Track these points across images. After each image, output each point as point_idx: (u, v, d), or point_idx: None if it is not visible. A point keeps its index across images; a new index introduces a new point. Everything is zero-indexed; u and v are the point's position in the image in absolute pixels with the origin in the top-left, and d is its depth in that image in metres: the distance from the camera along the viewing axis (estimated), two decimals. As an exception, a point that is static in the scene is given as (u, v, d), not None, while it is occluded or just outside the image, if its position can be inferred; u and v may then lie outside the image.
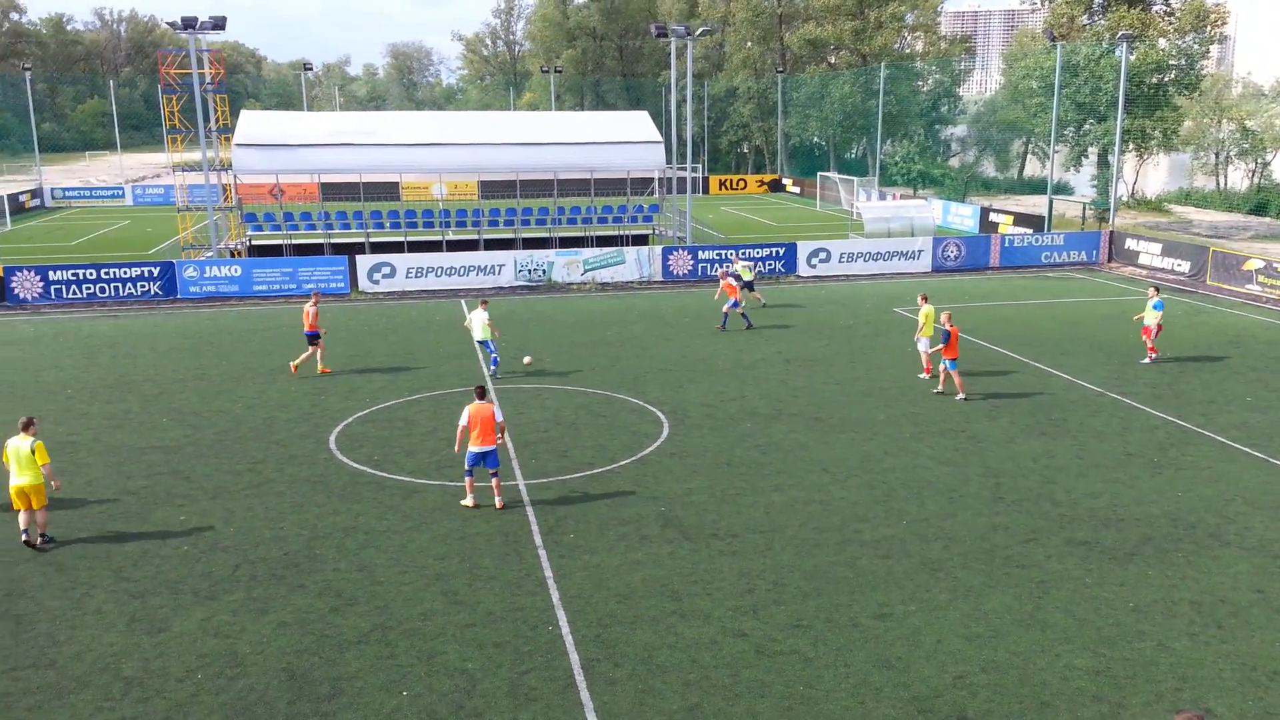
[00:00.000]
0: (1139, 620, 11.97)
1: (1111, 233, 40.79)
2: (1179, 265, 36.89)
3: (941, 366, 21.13)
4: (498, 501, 15.35)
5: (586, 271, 35.64)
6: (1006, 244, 39.64)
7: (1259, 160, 68.80)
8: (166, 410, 20.59)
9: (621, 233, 41.99)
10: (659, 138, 41.77)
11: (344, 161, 38.57)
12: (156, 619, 12.06)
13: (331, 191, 50.60)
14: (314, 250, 38.71)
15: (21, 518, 13.94)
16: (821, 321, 29.17)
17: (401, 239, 40.04)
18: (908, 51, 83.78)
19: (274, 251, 38.42)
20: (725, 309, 27.80)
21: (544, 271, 35.26)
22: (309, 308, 23.15)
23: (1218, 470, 16.92)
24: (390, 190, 53.85)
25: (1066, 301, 32.53)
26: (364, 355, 25.19)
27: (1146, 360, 23.98)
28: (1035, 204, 56.96)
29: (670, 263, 36.39)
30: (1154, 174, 78.05)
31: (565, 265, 35.52)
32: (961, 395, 20.88)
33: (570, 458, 17.60)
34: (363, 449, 18.10)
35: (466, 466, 15.21)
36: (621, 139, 41.35)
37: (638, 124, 42.98)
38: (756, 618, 12.05)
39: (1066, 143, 63.29)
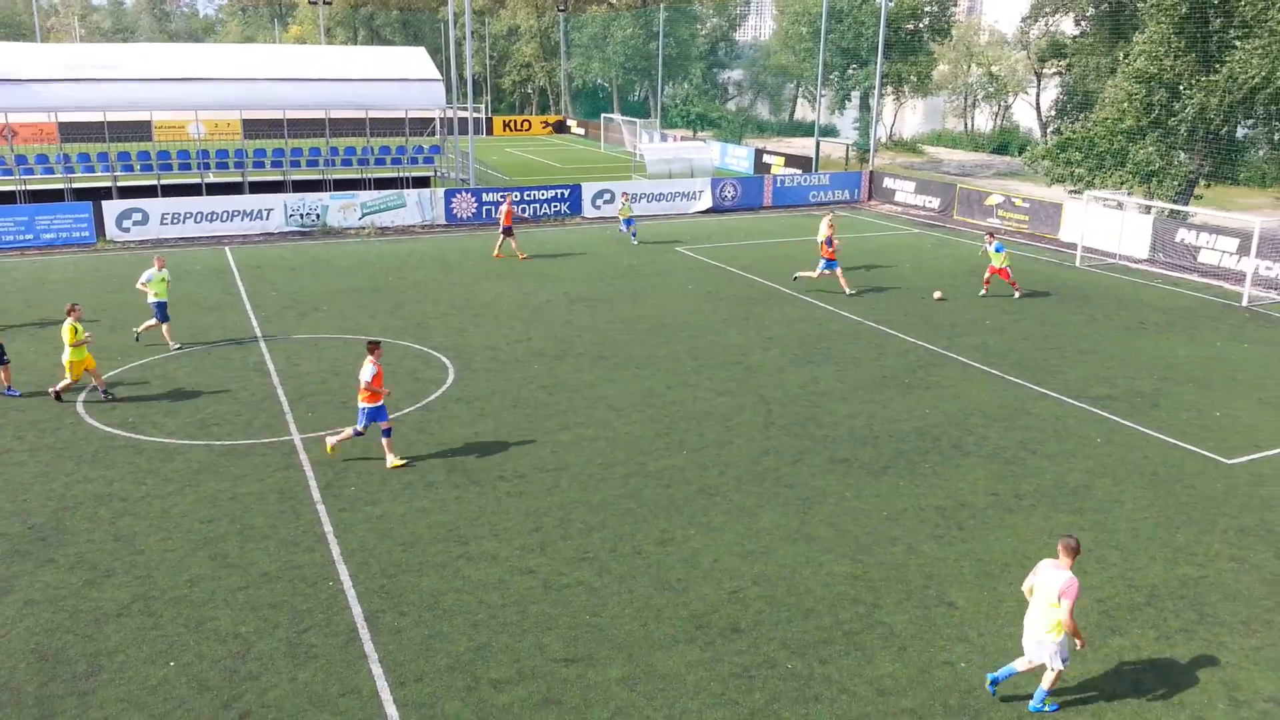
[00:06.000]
0: (892, 527, 13.04)
1: (871, 173, 43.36)
2: (930, 202, 39.76)
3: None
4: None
5: (365, 215, 34.29)
6: (778, 184, 41.33)
7: (1002, 104, 74.82)
8: (-122, 379, 18.26)
9: (401, 175, 40.62)
10: (438, 76, 40.43)
11: (85, 98, 35.05)
12: (-126, 610, 10.81)
13: (71, 132, 45.92)
14: (54, 196, 35.17)
15: None
16: (605, 262, 29.49)
17: (155, 182, 37.02)
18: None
19: (7, 199, 34.61)
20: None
21: (318, 215, 33.63)
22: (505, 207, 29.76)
23: (959, 388, 18.55)
24: (141, 130, 49.43)
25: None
26: (114, 309, 23.23)
27: (1016, 295, 25.37)
28: (804, 146, 59.54)
29: (454, 205, 35.59)
30: (910, 117, 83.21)
31: (341, 209, 34.00)
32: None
33: (350, 408, 16.97)
34: (116, 411, 16.80)
35: None
36: (398, 76, 39.73)
37: (415, 61, 41.39)
38: (544, 554, 12.22)
39: (832, 87, 66.31)
